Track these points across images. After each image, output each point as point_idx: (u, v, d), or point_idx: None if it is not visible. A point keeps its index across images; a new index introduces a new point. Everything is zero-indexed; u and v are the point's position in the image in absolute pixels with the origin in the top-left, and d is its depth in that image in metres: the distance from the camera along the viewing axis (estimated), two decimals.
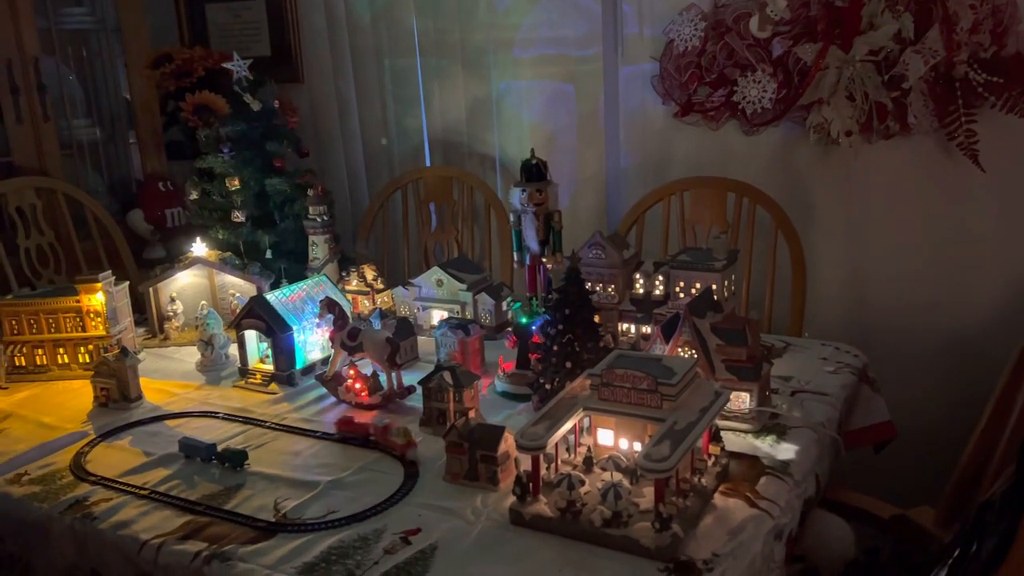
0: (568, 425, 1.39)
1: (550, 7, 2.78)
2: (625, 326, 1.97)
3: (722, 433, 1.51)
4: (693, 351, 1.60)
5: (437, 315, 2.23)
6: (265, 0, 3.25)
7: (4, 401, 1.99)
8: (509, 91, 2.94)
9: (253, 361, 2.03)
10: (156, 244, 3.15)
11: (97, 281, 2.08)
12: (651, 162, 2.74)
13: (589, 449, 1.45)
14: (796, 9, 2.32)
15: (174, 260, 2.39)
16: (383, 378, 1.85)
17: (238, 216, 2.61)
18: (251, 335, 2.02)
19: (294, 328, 1.97)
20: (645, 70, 2.66)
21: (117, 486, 1.55)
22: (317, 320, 2.01)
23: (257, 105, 2.66)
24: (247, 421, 1.80)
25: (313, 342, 2.04)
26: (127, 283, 2.20)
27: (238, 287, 2.37)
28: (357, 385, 1.85)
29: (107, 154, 3.27)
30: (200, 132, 2.68)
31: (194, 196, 2.71)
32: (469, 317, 2.18)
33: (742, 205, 2.43)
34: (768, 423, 1.64)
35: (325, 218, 2.43)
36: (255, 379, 2.00)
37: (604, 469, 1.39)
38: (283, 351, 1.97)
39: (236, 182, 2.59)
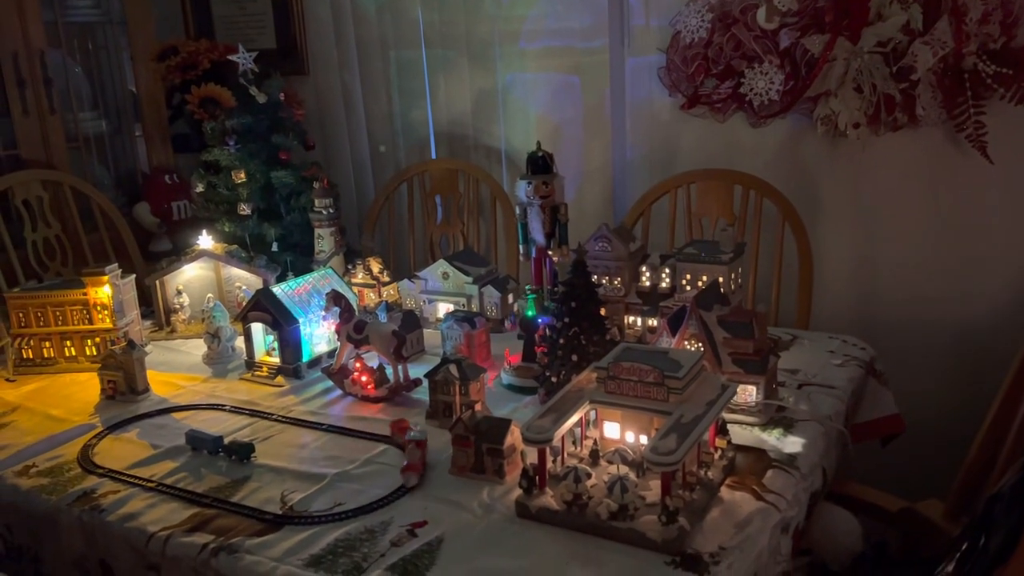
0: (574, 418, 1.39)
1: None
2: (631, 319, 1.96)
3: (729, 426, 1.51)
4: (700, 344, 1.60)
5: (443, 308, 2.23)
6: None
7: (12, 394, 2.00)
8: (515, 83, 2.93)
9: (259, 354, 2.04)
10: (162, 237, 3.16)
11: (104, 274, 2.08)
12: (657, 154, 2.73)
13: (595, 442, 1.45)
14: (804, 0, 2.30)
15: (180, 253, 2.39)
16: (389, 371, 1.85)
17: (244, 209, 2.62)
18: (257, 328, 2.02)
19: (300, 321, 1.97)
20: (651, 62, 2.65)
21: (124, 478, 1.55)
22: (323, 313, 2.01)
23: (263, 97, 2.66)
24: (254, 414, 1.81)
25: (319, 335, 2.04)
26: (133, 276, 2.21)
27: (244, 280, 2.37)
28: (363, 378, 1.85)
29: (113, 147, 3.28)
30: (206, 125, 2.68)
31: (200, 189, 2.71)
32: (475, 310, 2.18)
33: (749, 197, 2.42)
34: (775, 416, 1.63)
35: (331, 211, 2.43)
36: (261, 372, 2.01)
37: (610, 462, 1.39)
38: (289, 344, 1.97)
39: (242, 175, 2.59)
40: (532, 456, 1.38)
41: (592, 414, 1.48)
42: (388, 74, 3.16)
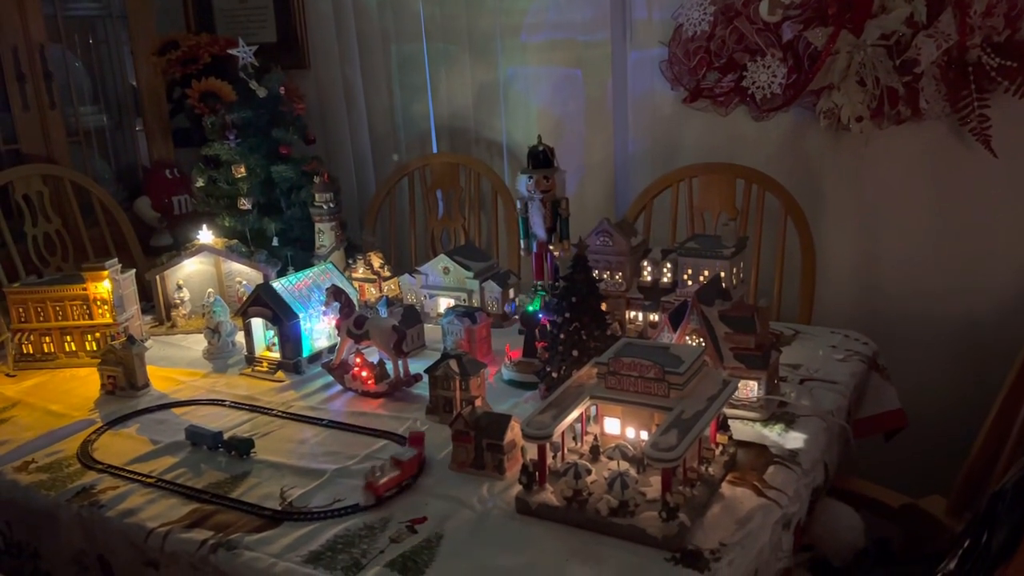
0: (575, 414, 1.38)
1: None
2: (632, 314, 1.96)
3: (730, 422, 1.50)
4: (701, 339, 1.59)
5: (444, 303, 2.22)
6: None
7: (12, 389, 2.00)
8: (516, 77, 2.92)
9: (260, 349, 2.03)
10: (163, 231, 3.15)
11: (103, 269, 2.08)
12: (659, 148, 2.72)
13: (596, 438, 1.44)
14: None
15: (181, 248, 2.38)
16: (389, 366, 1.85)
17: (244, 203, 2.61)
18: (257, 323, 2.02)
19: (300, 316, 1.97)
20: (653, 55, 2.63)
21: (124, 474, 1.55)
22: (323, 308, 2.00)
23: (263, 92, 2.65)
24: (253, 409, 1.80)
25: (320, 330, 2.04)
26: (133, 271, 2.20)
27: (244, 275, 2.37)
28: (363, 373, 1.85)
29: (114, 141, 3.27)
30: (206, 119, 2.68)
31: (200, 183, 2.71)
32: (476, 305, 2.17)
33: (751, 192, 2.41)
34: (776, 412, 1.63)
35: (331, 205, 2.42)
36: (262, 367, 2.00)
37: (611, 458, 1.38)
38: (289, 339, 1.96)
39: (242, 169, 2.59)
40: (532, 452, 1.37)
41: (592, 410, 1.48)
42: (389, 68, 3.15)
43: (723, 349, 1.58)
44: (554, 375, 1.68)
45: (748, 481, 1.40)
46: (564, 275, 1.68)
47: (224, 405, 1.84)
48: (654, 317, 1.91)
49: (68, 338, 2.11)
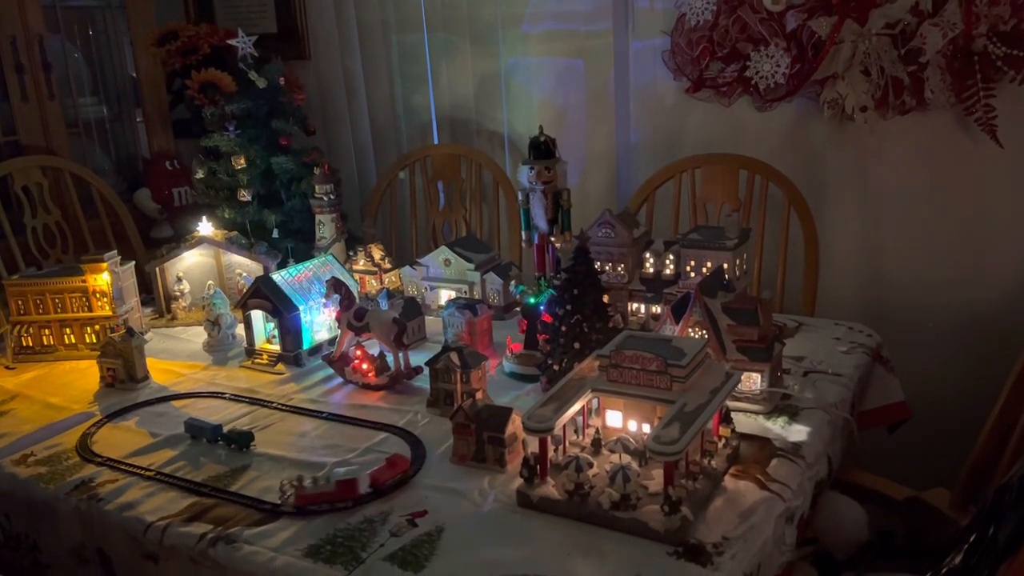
0: (576, 407, 1.37)
1: None
2: (635, 306, 1.94)
3: (733, 415, 1.49)
4: (704, 331, 1.58)
5: (445, 295, 2.21)
6: None
7: (11, 381, 1.99)
8: (518, 67, 2.90)
9: (260, 341, 2.02)
10: (163, 223, 3.14)
11: (103, 261, 2.07)
12: (662, 139, 2.70)
13: (597, 431, 1.43)
14: None
15: (181, 239, 2.37)
16: (390, 358, 1.84)
17: (244, 195, 2.60)
18: (257, 315, 2.01)
19: (301, 308, 1.96)
20: (656, 45, 2.61)
21: (123, 467, 1.54)
22: (324, 300, 1.99)
23: (262, 82, 2.64)
24: (253, 402, 1.79)
25: (320, 322, 2.03)
26: (133, 263, 2.20)
27: (245, 267, 2.35)
28: (364, 366, 1.84)
29: (114, 132, 3.25)
30: (205, 110, 2.66)
31: (200, 175, 2.69)
32: (477, 297, 2.16)
33: (754, 182, 2.39)
34: (780, 404, 1.62)
35: (332, 197, 2.41)
36: (262, 359, 1.99)
37: (613, 451, 1.37)
38: (290, 331, 1.95)
39: (242, 161, 2.57)
40: (533, 445, 1.36)
41: (594, 402, 1.47)
42: (390, 58, 3.13)
43: (726, 341, 1.57)
44: (555, 368, 1.67)
45: (751, 474, 1.39)
46: (566, 267, 1.66)
47: (224, 398, 1.83)
48: (656, 309, 1.90)
49: (67, 330, 2.10)
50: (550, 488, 1.33)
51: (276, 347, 1.99)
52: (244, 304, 1.99)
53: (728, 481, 1.38)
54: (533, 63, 2.87)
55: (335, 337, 1.97)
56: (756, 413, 1.59)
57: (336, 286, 1.90)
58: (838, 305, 2.47)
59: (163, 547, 1.33)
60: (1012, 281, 2.32)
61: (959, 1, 2.11)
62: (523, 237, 1.93)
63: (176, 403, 1.82)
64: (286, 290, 1.96)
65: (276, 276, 1.98)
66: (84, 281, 2.07)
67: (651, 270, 1.94)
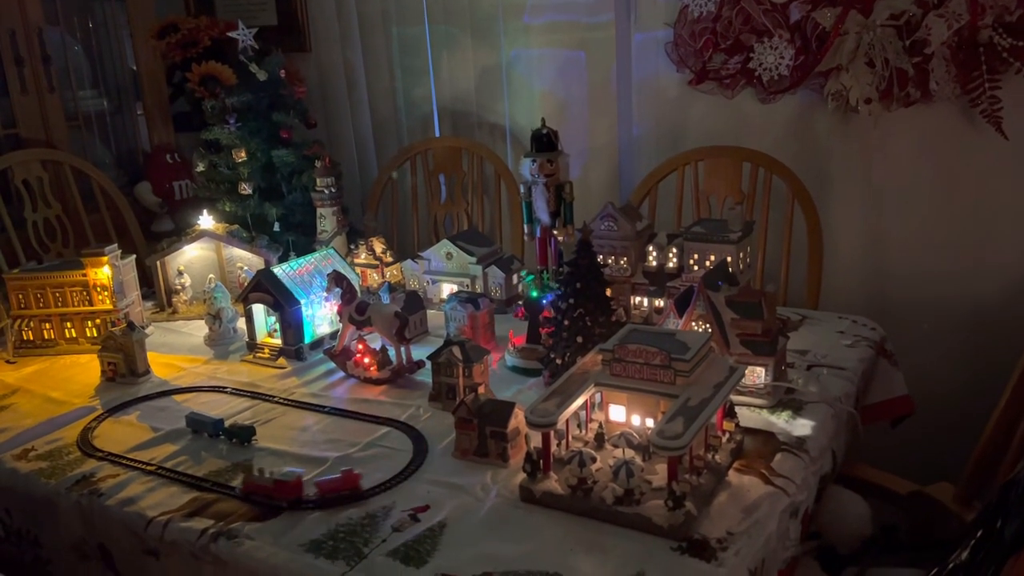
0: (579, 401, 1.36)
1: None
2: (638, 300, 1.93)
3: (737, 409, 1.48)
4: (707, 325, 1.57)
5: (447, 288, 2.20)
6: None
7: (12, 376, 1.98)
8: (519, 59, 2.88)
9: (261, 335, 2.02)
10: (164, 217, 3.14)
11: (103, 255, 2.06)
12: (665, 131, 2.69)
13: (601, 425, 1.42)
14: None
15: (182, 233, 2.37)
16: (392, 353, 1.83)
17: (245, 188, 2.59)
18: (259, 309, 2.00)
19: (302, 302, 1.95)
20: (659, 37, 2.59)
21: (124, 462, 1.54)
22: (325, 294, 1.99)
23: (263, 75, 2.63)
24: (255, 396, 1.79)
25: (321, 316, 2.02)
26: (133, 256, 2.19)
27: (246, 260, 2.35)
28: (366, 360, 1.83)
29: (114, 125, 3.24)
30: (206, 103, 2.65)
31: (201, 168, 2.68)
32: (479, 291, 2.15)
33: (758, 175, 2.38)
34: (784, 398, 1.61)
35: (333, 190, 2.40)
36: (263, 353, 1.99)
37: (616, 446, 1.36)
38: (291, 325, 1.95)
39: (243, 154, 2.56)
40: (536, 439, 1.36)
41: (597, 397, 1.46)
42: (390, 50, 3.11)
43: (730, 335, 1.56)
44: (558, 362, 1.66)
45: (755, 469, 1.39)
46: (568, 260, 1.65)
47: (225, 392, 1.82)
48: (659, 303, 1.89)
49: (68, 324, 2.10)
50: (553, 483, 1.32)
51: (277, 341, 1.98)
52: (245, 298, 1.98)
53: (732, 476, 1.37)
54: (535, 55, 2.85)
55: (337, 331, 1.97)
56: (760, 407, 1.58)
57: (338, 280, 1.89)
58: (842, 298, 2.46)
59: (164, 542, 1.33)
60: (1017, 274, 2.31)
61: None
62: (525, 230, 1.93)
63: (177, 397, 1.82)
64: (287, 284, 1.95)
65: (277, 270, 1.98)
66: (85, 275, 2.07)
67: (654, 263, 1.93)
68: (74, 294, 2.08)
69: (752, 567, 1.18)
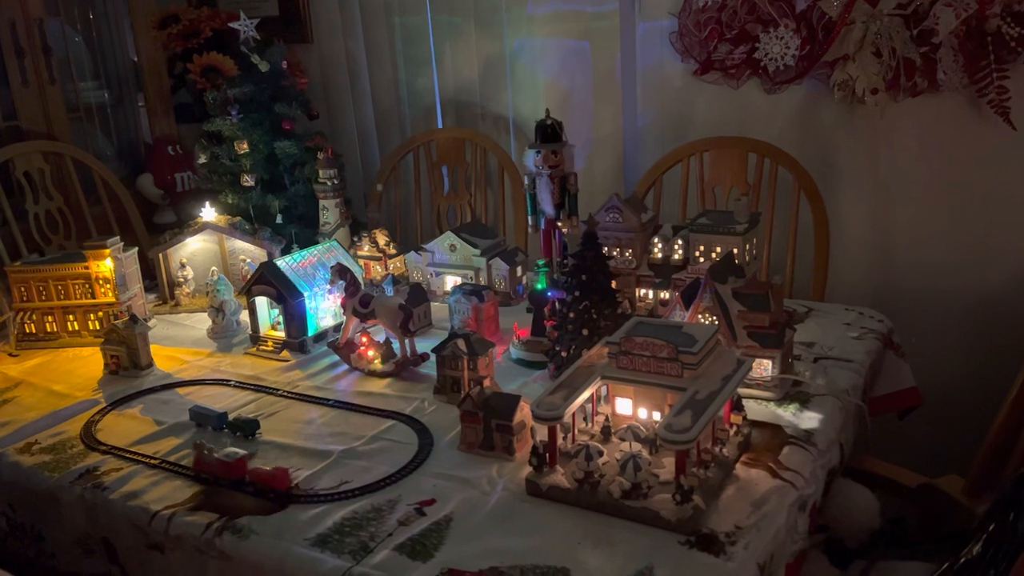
0: (585, 394, 1.35)
1: None
2: (643, 292, 1.92)
3: (744, 402, 1.47)
4: (714, 318, 1.56)
5: (451, 281, 2.19)
6: None
7: (14, 369, 1.98)
8: (523, 49, 2.86)
9: (264, 328, 2.01)
10: (166, 208, 3.12)
11: (105, 247, 2.05)
12: (669, 122, 2.67)
13: (607, 419, 1.41)
14: None
15: (184, 225, 2.35)
16: (396, 345, 1.82)
17: (247, 180, 2.57)
18: (262, 302, 1.99)
19: (305, 295, 1.94)
20: (663, 26, 2.58)
21: (128, 455, 1.53)
22: (328, 286, 1.98)
23: (265, 66, 2.61)
24: (259, 389, 1.78)
25: (325, 308, 2.01)
26: (136, 249, 2.18)
27: (248, 252, 2.34)
28: (370, 352, 1.82)
29: (115, 117, 3.22)
30: (207, 94, 2.63)
31: (203, 160, 2.67)
32: (483, 283, 2.14)
33: (764, 166, 2.37)
34: (791, 391, 1.60)
35: (336, 182, 2.39)
36: (267, 346, 1.98)
37: (623, 439, 1.35)
38: (294, 318, 1.94)
39: (245, 145, 2.55)
40: (542, 433, 1.35)
41: (604, 390, 1.45)
42: (393, 41, 3.09)
43: (736, 327, 1.55)
44: (564, 354, 1.65)
45: (763, 462, 1.38)
46: (573, 252, 1.64)
47: (229, 385, 1.81)
48: (665, 295, 1.88)
49: (71, 317, 2.09)
50: (559, 477, 1.31)
51: (281, 334, 1.98)
52: (248, 290, 1.97)
53: (740, 469, 1.36)
54: (538, 45, 2.83)
55: (340, 323, 1.96)
56: (767, 400, 1.57)
57: (341, 272, 1.88)
58: (848, 290, 2.44)
59: (169, 536, 1.32)
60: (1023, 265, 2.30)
61: None
62: (529, 222, 1.91)
63: (181, 390, 1.81)
64: (290, 276, 1.94)
65: (280, 262, 1.97)
66: (87, 267, 2.06)
67: (659, 255, 1.91)
68: (76, 287, 2.07)
69: (761, 561, 1.17)
